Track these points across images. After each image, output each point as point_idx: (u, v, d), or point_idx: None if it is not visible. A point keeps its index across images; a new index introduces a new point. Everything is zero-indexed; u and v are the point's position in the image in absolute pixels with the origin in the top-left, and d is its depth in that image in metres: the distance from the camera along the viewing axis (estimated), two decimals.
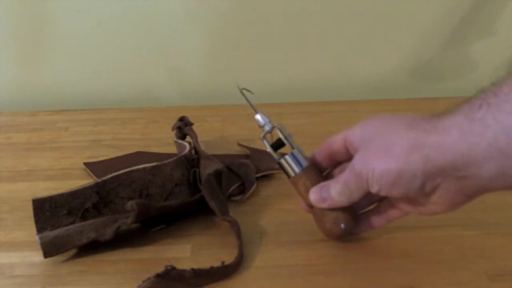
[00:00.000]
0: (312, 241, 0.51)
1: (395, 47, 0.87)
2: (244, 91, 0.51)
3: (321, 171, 0.50)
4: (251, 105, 0.51)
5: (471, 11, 0.84)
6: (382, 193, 0.44)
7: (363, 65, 0.88)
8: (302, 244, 0.51)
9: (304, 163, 0.49)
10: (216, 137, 0.73)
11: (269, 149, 0.50)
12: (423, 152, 0.41)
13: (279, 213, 0.56)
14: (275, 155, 0.50)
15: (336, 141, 0.48)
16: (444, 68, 0.89)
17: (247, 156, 0.66)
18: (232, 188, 0.59)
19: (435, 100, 0.82)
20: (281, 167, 0.50)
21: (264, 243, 0.51)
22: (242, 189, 0.59)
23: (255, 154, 0.66)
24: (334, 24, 0.85)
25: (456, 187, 0.42)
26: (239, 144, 0.69)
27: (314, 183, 0.48)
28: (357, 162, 0.45)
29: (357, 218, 0.49)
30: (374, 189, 0.44)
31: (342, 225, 0.47)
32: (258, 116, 0.51)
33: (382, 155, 0.43)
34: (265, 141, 0.51)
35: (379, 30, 0.86)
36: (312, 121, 0.77)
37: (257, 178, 0.60)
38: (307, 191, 0.48)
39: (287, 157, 0.49)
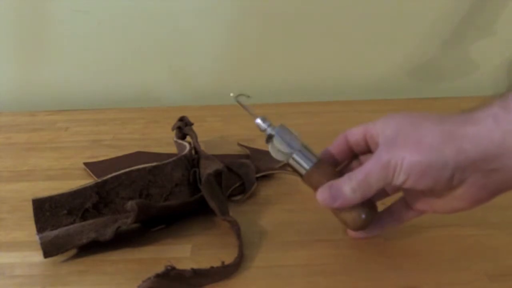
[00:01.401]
0: (312, 241, 0.51)
1: (395, 47, 0.87)
2: (240, 97, 0.49)
3: (335, 165, 0.48)
4: (248, 111, 0.49)
5: (471, 11, 0.84)
6: (407, 185, 0.43)
7: (363, 65, 0.88)
8: (302, 244, 0.51)
9: (314, 159, 0.47)
10: (216, 137, 0.73)
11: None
12: (456, 143, 0.41)
13: (279, 213, 0.56)
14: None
15: (355, 134, 0.47)
16: (444, 68, 0.89)
17: (247, 156, 0.66)
18: (232, 188, 0.59)
19: (435, 100, 0.82)
20: (290, 167, 0.48)
21: (264, 243, 0.51)
22: (242, 189, 0.59)
23: (255, 154, 0.66)
24: (334, 25, 0.85)
25: (483, 181, 0.42)
26: (239, 144, 0.69)
27: (329, 178, 0.46)
28: (384, 153, 0.43)
29: (376, 207, 0.47)
30: (399, 180, 0.43)
31: (363, 216, 0.46)
32: (258, 121, 0.49)
33: (413, 146, 0.42)
34: (270, 145, 0.48)
35: (379, 30, 0.86)
36: (312, 121, 0.77)
37: (257, 178, 0.60)
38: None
39: (295, 155, 0.47)
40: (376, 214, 0.48)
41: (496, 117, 0.40)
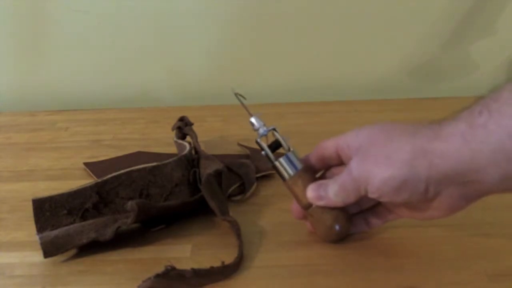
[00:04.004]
0: (312, 241, 0.51)
1: (394, 47, 0.87)
2: (239, 95, 0.51)
3: (316, 172, 0.50)
4: (245, 108, 0.51)
5: (471, 11, 0.84)
6: (383, 200, 0.44)
7: (363, 65, 0.88)
8: (302, 244, 0.51)
9: (299, 166, 0.49)
10: (216, 137, 0.73)
11: (265, 151, 0.50)
12: (427, 158, 0.41)
13: (279, 213, 0.56)
14: (272, 156, 0.50)
15: (328, 147, 0.48)
16: (444, 68, 0.89)
17: (247, 156, 0.66)
18: (232, 188, 0.59)
19: (435, 100, 0.82)
20: (276, 169, 0.49)
21: (264, 243, 0.51)
22: (242, 189, 0.59)
23: (255, 154, 0.66)
24: (334, 24, 0.85)
25: (459, 192, 0.42)
26: (239, 144, 0.69)
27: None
28: (355, 167, 0.44)
29: (351, 221, 0.49)
30: (373, 196, 0.44)
31: (337, 227, 0.48)
32: (252, 119, 0.50)
33: (384, 162, 0.42)
34: (262, 143, 0.50)
35: (379, 30, 0.86)
36: (312, 121, 0.77)
37: (257, 178, 0.60)
38: (303, 193, 0.48)
39: (281, 159, 0.49)
40: (349, 229, 0.49)
41: (463, 135, 0.40)
